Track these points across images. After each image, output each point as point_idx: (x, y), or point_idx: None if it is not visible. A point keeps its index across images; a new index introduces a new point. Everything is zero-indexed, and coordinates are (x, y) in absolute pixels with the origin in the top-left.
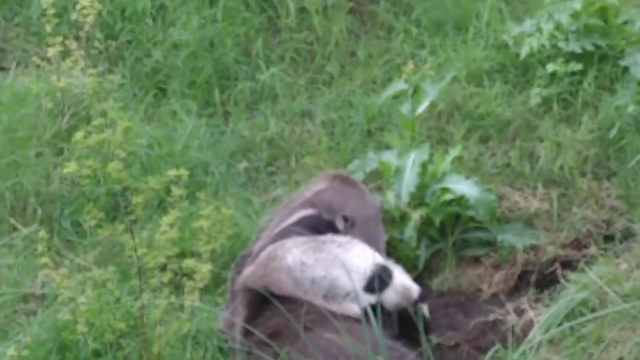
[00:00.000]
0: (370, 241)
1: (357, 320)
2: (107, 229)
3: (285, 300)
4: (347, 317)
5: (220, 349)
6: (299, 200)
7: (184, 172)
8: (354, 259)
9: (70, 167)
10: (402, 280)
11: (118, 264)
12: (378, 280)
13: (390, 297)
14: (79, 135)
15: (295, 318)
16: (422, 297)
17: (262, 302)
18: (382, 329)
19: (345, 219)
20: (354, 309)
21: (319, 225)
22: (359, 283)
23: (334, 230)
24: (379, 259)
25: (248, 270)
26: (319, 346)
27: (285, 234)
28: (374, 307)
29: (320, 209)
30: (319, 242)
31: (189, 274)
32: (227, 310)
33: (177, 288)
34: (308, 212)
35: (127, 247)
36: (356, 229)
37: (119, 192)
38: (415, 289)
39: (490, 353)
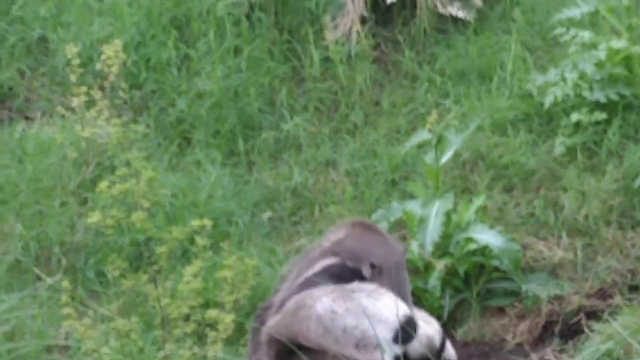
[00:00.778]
0: (398, 287)
1: None
2: (130, 279)
3: (311, 352)
4: None
5: None
6: (318, 250)
7: (207, 222)
8: (383, 309)
9: (94, 217)
10: (426, 330)
11: (141, 314)
12: (404, 332)
13: (415, 347)
14: (103, 185)
15: None
16: (443, 343)
17: (288, 355)
18: None
19: (373, 266)
20: None
21: (343, 274)
22: (387, 334)
23: (359, 277)
24: (405, 309)
25: (274, 321)
26: None
27: (309, 284)
28: (399, 358)
29: (343, 257)
30: (347, 291)
31: (212, 325)
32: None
33: (200, 338)
34: (330, 261)
35: (150, 297)
36: (384, 276)
37: (142, 242)
38: (437, 339)
39: None
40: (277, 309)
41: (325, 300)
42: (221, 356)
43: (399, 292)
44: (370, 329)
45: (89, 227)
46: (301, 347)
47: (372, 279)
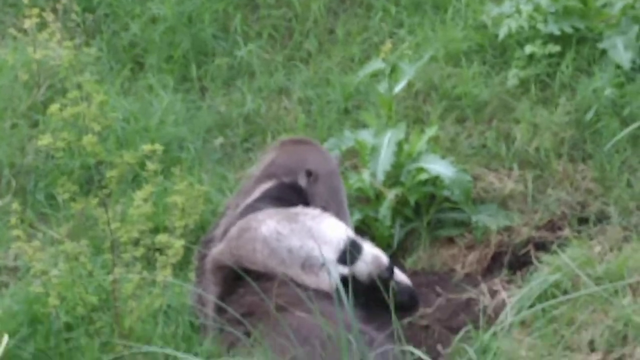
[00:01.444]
0: (335, 194)
1: (330, 301)
2: (80, 203)
3: (259, 278)
4: (320, 298)
5: (192, 325)
6: (253, 179)
7: (158, 147)
8: (327, 230)
9: (45, 140)
10: (371, 250)
11: (91, 237)
12: (349, 253)
13: (362, 268)
14: (54, 107)
15: (269, 297)
16: (391, 267)
17: (235, 280)
18: (354, 306)
19: (309, 173)
20: (327, 282)
21: (282, 195)
22: (332, 255)
23: (298, 194)
24: (349, 232)
25: (218, 248)
26: (292, 326)
27: (250, 210)
28: (347, 280)
29: (279, 176)
30: (292, 214)
31: (162, 249)
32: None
33: (149, 263)
34: (267, 184)
35: (100, 221)
36: (320, 183)
37: (93, 165)
38: (384, 257)
39: (461, 333)
40: (220, 238)
41: (269, 223)
42: (171, 280)
43: (336, 200)
44: (315, 249)
45: (40, 150)
46: (247, 272)
47: (309, 188)
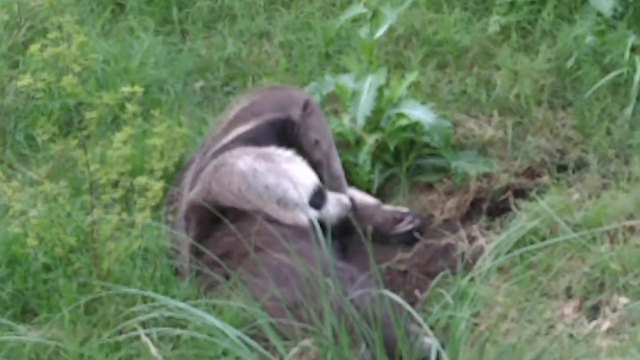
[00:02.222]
0: (326, 127)
1: (307, 241)
2: (60, 144)
3: (235, 220)
4: (297, 239)
5: (170, 267)
6: (222, 125)
7: (138, 89)
8: (300, 174)
9: (25, 80)
10: (334, 194)
11: (70, 179)
12: (319, 197)
13: (331, 211)
14: (34, 48)
15: (246, 238)
16: (355, 206)
17: (212, 222)
18: (331, 250)
19: (307, 104)
20: (303, 219)
21: (259, 136)
22: (304, 198)
23: (278, 133)
24: (315, 178)
25: (195, 189)
26: (270, 266)
27: (224, 151)
28: (319, 222)
29: (261, 114)
30: (267, 153)
31: (141, 192)
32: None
33: (128, 205)
34: (243, 127)
35: (79, 162)
36: (314, 115)
37: (73, 107)
38: (345, 198)
39: (437, 278)
40: (191, 183)
41: (246, 159)
42: (150, 222)
43: (327, 133)
44: (290, 188)
45: (20, 91)
46: (222, 213)
47: (302, 120)
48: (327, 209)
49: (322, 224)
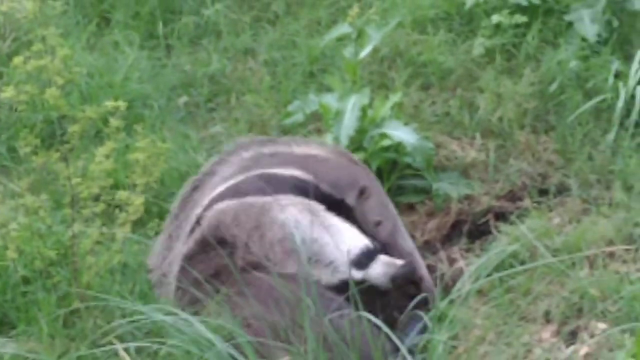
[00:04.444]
0: (386, 209)
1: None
2: (42, 156)
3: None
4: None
5: (149, 283)
6: (282, 155)
7: (122, 104)
8: (346, 233)
9: (8, 92)
10: (385, 257)
11: (51, 192)
12: (365, 258)
13: (377, 269)
14: (17, 60)
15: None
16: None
17: (208, 243)
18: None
19: (362, 191)
20: (332, 279)
21: (309, 194)
22: (346, 257)
23: (328, 201)
24: (367, 240)
25: (226, 204)
26: (260, 288)
27: (268, 180)
28: (357, 283)
29: (319, 179)
30: (314, 208)
31: (122, 206)
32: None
33: (109, 219)
34: (301, 174)
35: (61, 175)
36: (372, 199)
37: (56, 120)
38: (398, 261)
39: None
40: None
41: (292, 209)
42: (131, 236)
43: (389, 214)
44: (328, 246)
45: (2, 102)
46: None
47: (358, 205)
48: (374, 267)
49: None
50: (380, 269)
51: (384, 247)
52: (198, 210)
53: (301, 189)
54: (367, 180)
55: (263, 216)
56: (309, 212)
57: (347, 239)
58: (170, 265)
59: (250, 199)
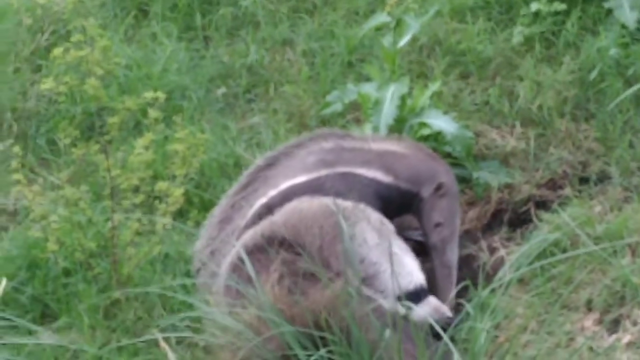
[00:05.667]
0: (452, 218)
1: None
2: (81, 148)
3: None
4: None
5: (189, 274)
6: (362, 152)
7: (161, 95)
8: (407, 264)
9: (48, 84)
10: (436, 301)
11: (91, 183)
12: (417, 296)
13: (422, 310)
14: (57, 51)
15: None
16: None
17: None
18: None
19: (439, 187)
20: (380, 305)
21: (389, 199)
22: (400, 289)
23: (407, 197)
24: (422, 277)
25: (304, 214)
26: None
27: (353, 184)
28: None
29: (399, 178)
30: (386, 231)
31: (162, 197)
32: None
33: (149, 210)
34: (382, 176)
35: (101, 167)
36: (445, 199)
37: (95, 111)
38: (447, 310)
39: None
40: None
41: (363, 225)
42: (173, 223)
43: (452, 224)
44: (385, 273)
45: (42, 95)
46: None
47: (430, 199)
48: (421, 307)
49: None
50: (427, 311)
51: (432, 248)
52: (272, 192)
53: (382, 194)
54: (446, 178)
55: (338, 227)
56: (377, 234)
57: (405, 273)
58: (226, 237)
59: (330, 203)
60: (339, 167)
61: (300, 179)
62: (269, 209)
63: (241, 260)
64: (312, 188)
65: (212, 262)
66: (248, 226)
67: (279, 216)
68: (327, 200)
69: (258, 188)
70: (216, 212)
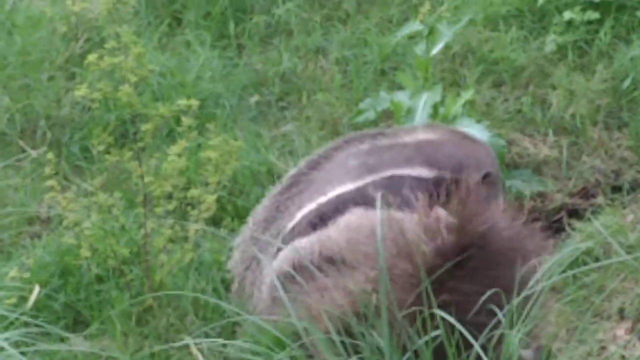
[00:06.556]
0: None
1: None
2: (115, 155)
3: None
4: None
5: (223, 281)
6: (400, 147)
7: (194, 103)
8: None
9: (82, 90)
10: None
11: (124, 190)
12: None
13: None
14: (92, 57)
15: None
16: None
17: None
18: None
19: (486, 176)
20: None
21: (437, 195)
22: None
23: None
24: None
25: (358, 230)
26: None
27: (399, 189)
28: None
29: (442, 169)
30: None
31: (194, 204)
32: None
33: (182, 217)
34: (427, 172)
35: (134, 174)
36: (491, 189)
37: (128, 118)
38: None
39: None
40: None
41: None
42: (206, 230)
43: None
44: None
45: (76, 102)
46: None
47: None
48: None
49: None
50: None
51: None
52: (320, 198)
53: (429, 190)
54: (492, 168)
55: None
56: None
57: None
58: (271, 237)
59: (376, 217)
60: (383, 170)
61: (348, 186)
62: (321, 219)
63: (292, 271)
64: (360, 198)
65: (255, 262)
66: (301, 233)
67: (334, 232)
68: (374, 214)
69: (303, 190)
70: (259, 212)
